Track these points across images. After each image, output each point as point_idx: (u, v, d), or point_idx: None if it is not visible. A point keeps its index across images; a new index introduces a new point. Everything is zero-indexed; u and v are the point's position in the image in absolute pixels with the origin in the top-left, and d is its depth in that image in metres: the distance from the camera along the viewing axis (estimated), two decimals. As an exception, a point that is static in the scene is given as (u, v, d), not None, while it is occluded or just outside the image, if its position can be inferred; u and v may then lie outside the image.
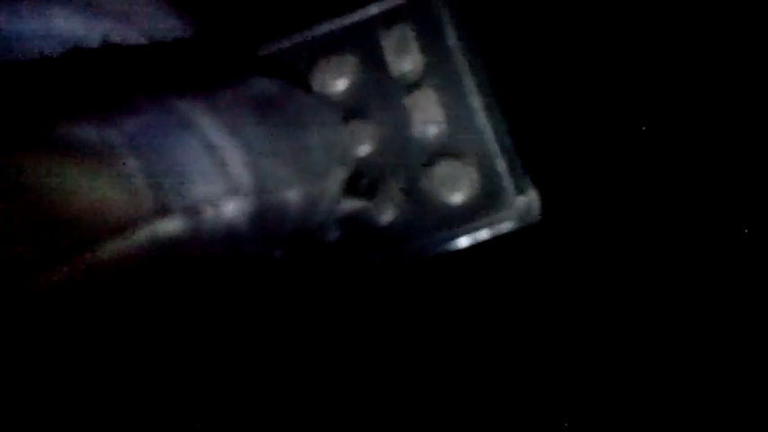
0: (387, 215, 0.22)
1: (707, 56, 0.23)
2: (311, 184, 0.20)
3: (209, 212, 0.17)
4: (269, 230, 0.19)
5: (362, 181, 0.22)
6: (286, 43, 0.23)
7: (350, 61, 0.23)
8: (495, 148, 0.22)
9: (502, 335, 0.22)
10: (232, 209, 0.18)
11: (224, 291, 0.20)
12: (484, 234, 0.22)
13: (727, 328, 0.21)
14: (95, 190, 0.16)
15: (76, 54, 0.20)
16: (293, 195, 0.19)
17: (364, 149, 0.22)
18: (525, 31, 0.23)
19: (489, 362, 0.22)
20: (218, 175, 0.18)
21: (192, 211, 0.17)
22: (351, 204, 0.22)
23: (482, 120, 0.22)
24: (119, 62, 0.20)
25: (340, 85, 0.23)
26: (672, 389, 0.21)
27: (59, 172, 0.16)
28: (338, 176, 0.21)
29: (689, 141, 0.22)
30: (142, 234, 0.17)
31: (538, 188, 0.22)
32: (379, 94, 0.23)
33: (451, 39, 0.23)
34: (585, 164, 0.23)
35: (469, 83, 0.22)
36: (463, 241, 0.22)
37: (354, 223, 0.22)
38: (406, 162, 0.22)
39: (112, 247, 0.16)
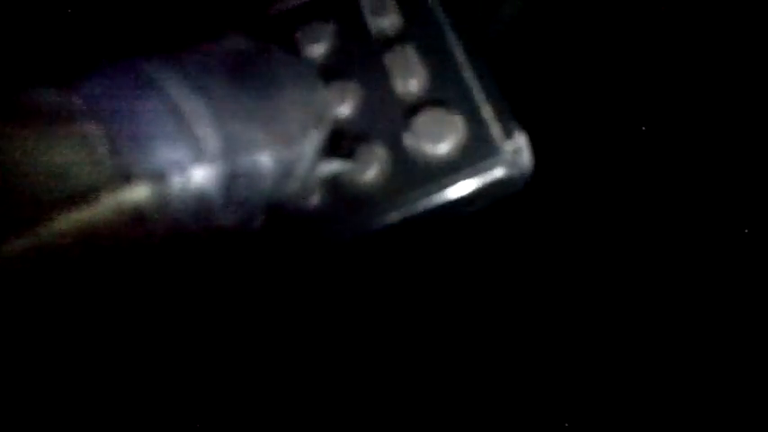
0: (371, 174, 0.21)
1: (707, 56, 0.22)
2: (285, 147, 0.19)
3: (175, 178, 0.17)
4: (242, 197, 0.18)
5: (343, 142, 0.21)
6: (264, 15, 0.23)
7: (328, 26, 0.23)
8: (479, 93, 0.21)
9: (503, 329, 0.20)
10: (201, 174, 0.17)
11: (200, 263, 0.19)
12: (473, 184, 0.21)
13: (727, 325, 0.20)
14: (54, 156, 0.16)
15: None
16: (266, 159, 0.18)
17: (346, 109, 0.22)
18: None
19: (487, 356, 0.20)
20: (184, 139, 0.17)
21: (157, 176, 0.16)
22: (330, 166, 0.21)
23: (465, 68, 0.21)
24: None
25: (319, 49, 0.23)
26: (671, 387, 0.19)
27: (16, 138, 0.15)
28: (315, 138, 0.20)
29: (687, 125, 0.22)
30: (105, 202, 0.16)
31: (528, 133, 0.21)
32: (359, 54, 0.22)
33: (430, -6, 0.22)
34: (578, 112, 0.22)
35: (450, 33, 0.22)
36: (452, 193, 0.21)
37: (338, 186, 0.21)
38: (389, 118, 0.21)
39: (73, 217, 0.16)
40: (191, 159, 0.17)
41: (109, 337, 0.19)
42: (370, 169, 0.21)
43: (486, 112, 0.21)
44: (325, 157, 0.21)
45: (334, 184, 0.21)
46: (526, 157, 0.21)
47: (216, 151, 0.17)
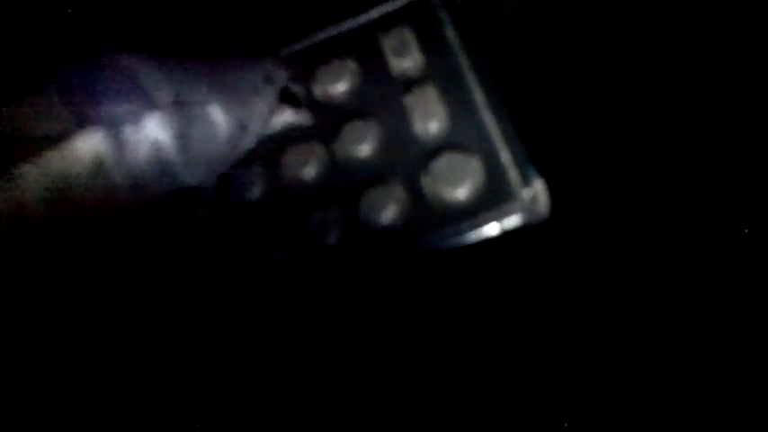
0: (387, 214, 0.21)
1: (707, 56, 0.22)
2: (238, 104, 0.20)
3: (129, 126, 0.18)
4: (199, 150, 0.19)
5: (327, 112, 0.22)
6: (286, 51, 0.23)
7: (349, 64, 0.23)
8: (498, 139, 0.21)
9: (505, 335, 0.21)
10: (153, 122, 0.18)
11: (163, 222, 0.20)
12: (490, 229, 0.21)
13: (728, 328, 0.20)
14: (19, 115, 0.17)
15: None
16: (217, 112, 0.19)
17: (365, 149, 0.22)
18: (525, 28, 0.23)
19: (491, 361, 0.20)
20: (134, 91, 0.18)
21: (111, 124, 0.18)
22: (282, 118, 0.22)
23: (485, 112, 0.22)
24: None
25: (340, 87, 0.23)
26: (672, 389, 0.19)
27: None
28: (266, 96, 0.21)
29: (691, 138, 0.22)
30: (65, 148, 0.17)
31: (546, 180, 0.21)
32: (380, 94, 0.22)
33: (451, 37, 0.22)
34: (595, 158, 0.22)
35: (471, 77, 0.22)
36: (468, 238, 0.21)
37: (355, 223, 0.21)
38: (407, 160, 0.22)
39: (31, 166, 0.17)
40: (143, 109, 0.18)
41: (85, 310, 0.19)
42: (387, 210, 0.21)
43: (505, 157, 0.21)
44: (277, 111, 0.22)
45: (352, 222, 0.21)
46: (543, 204, 0.21)
47: (166, 102, 0.18)
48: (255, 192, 0.22)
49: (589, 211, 0.21)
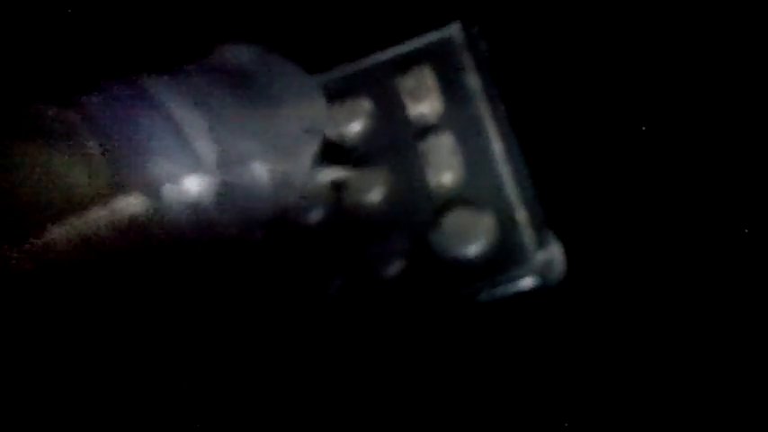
0: (392, 268, 0.20)
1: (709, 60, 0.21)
2: (281, 158, 0.19)
3: (170, 189, 0.17)
4: (240, 208, 0.18)
5: (346, 152, 0.21)
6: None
7: (364, 104, 0.22)
8: (514, 196, 0.20)
9: (507, 400, 0.19)
10: (196, 184, 0.17)
11: (202, 274, 0.19)
12: (500, 292, 0.20)
13: (727, 326, 0.19)
14: (53, 169, 0.16)
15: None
16: (262, 170, 0.19)
17: (375, 196, 0.21)
18: (549, 76, 0.22)
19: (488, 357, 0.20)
20: (179, 150, 0.17)
21: (151, 187, 0.17)
22: (329, 174, 0.21)
23: (502, 166, 0.20)
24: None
25: (354, 128, 0.22)
26: (671, 387, 0.19)
27: (17, 152, 0.16)
28: (311, 149, 0.20)
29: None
30: (100, 211, 0.16)
31: (562, 243, 0.20)
32: (394, 138, 0.21)
33: (473, 82, 0.21)
34: (614, 220, 0.20)
35: (490, 127, 0.21)
36: (476, 299, 0.20)
37: (357, 275, 0.20)
38: (417, 212, 0.20)
39: (69, 226, 0.16)
40: (186, 170, 0.17)
41: (108, 344, 0.19)
42: (391, 264, 0.20)
43: (521, 216, 0.20)
44: (323, 166, 0.21)
45: (353, 273, 0.20)
46: (558, 269, 0.20)
47: (212, 162, 0.18)
48: (257, 235, 0.21)
49: (607, 278, 0.20)
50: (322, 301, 0.20)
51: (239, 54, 0.20)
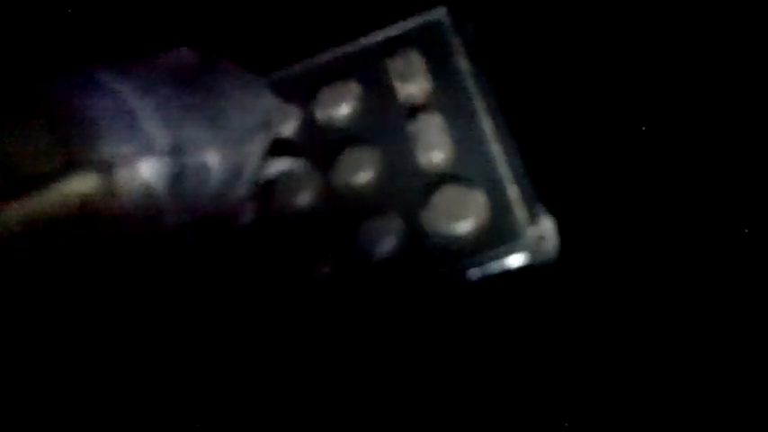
0: (384, 247, 0.20)
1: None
2: (232, 148, 0.19)
3: (122, 169, 0.17)
4: (189, 196, 0.18)
5: (327, 137, 0.21)
6: (289, 71, 0.22)
7: (353, 87, 0.22)
8: (505, 172, 0.20)
9: (499, 383, 0.19)
10: (148, 167, 0.17)
11: (144, 262, 0.19)
12: (492, 268, 0.19)
13: (727, 327, 0.19)
14: (1, 150, 0.16)
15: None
16: (213, 158, 0.18)
17: (365, 176, 0.21)
18: (537, 55, 0.22)
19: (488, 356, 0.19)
20: (130, 133, 0.17)
21: (103, 166, 0.17)
22: (276, 166, 0.21)
23: (491, 144, 0.20)
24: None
25: (343, 110, 0.22)
26: (671, 388, 0.18)
27: None
28: (260, 141, 0.20)
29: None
30: (53, 190, 0.16)
31: (555, 218, 0.19)
32: (383, 120, 0.21)
33: (461, 63, 0.21)
34: (608, 194, 0.20)
35: (479, 105, 0.21)
36: (468, 276, 0.19)
37: (349, 256, 0.20)
38: (408, 191, 0.20)
39: (18, 207, 0.16)
40: (138, 152, 0.17)
41: (58, 330, 0.18)
42: (383, 243, 0.20)
43: (511, 192, 0.20)
44: (271, 159, 0.21)
45: (346, 254, 0.20)
46: (551, 245, 0.19)
47: (165, 147, 0.18)
48: (246, 218, 0.21)
49: (603, 254, 0.20)
50: (311, 285, 0.20)
51: (184, 56, 0.20)
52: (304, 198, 0.21)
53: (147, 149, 0.17)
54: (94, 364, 0.19)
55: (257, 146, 0.20)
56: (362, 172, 0.21)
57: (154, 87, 0.18)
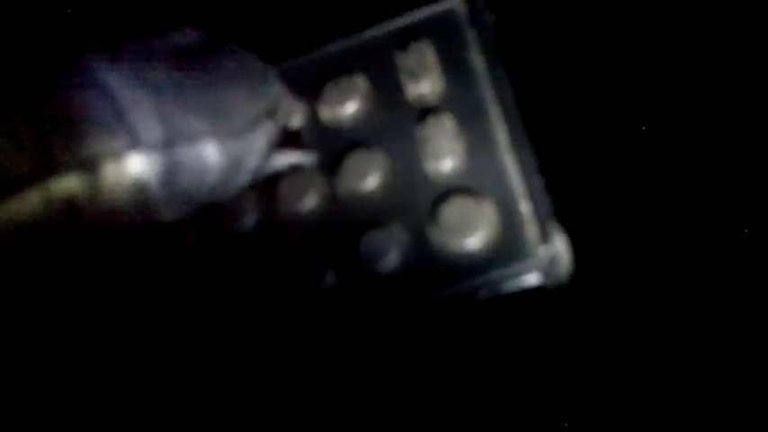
0: (388, 262, 0.19)
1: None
2: (232, 138, 0.17)
3: (109, 168, 0.16)
4: (185, 190, 0.17)
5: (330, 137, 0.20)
6: (292, 63, 0.21)
7: (360, 82, 0.20)
8: (518, 185, 0.18)
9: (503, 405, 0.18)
10: (137, 163, 0.16)
11: (138, 261, 0.18)
12: (500, 289, 0.18)
13: (727, 328, 0.18)
14: None
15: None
16: (211, 149, 0.17)
17: (369, 184, 0.19)
18: (559, 54, 0.20)
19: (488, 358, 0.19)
20: (117, 126, 0.16)
21: (87, 165, 0.15)
22: (283, 160, 0.19)
23: (506, 153, 0.19)
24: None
25: (348, 108, 0.20)
26: (671, 388, 0.18)
27: None
28: (265, 131, 0.18)
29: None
30: (33, 193, 0.15)
31: (570, 238, 0.18)
32: (391, 120, 0.20)
33: (477, 60, 0.20)
34: (629, 214, 0.19)
35: (494, 110, 0.19)
36: (475, 295, 0.18)
37: (352, 270, 0.19)
38: (414, 202, 0.19)
39: (1, 208, 0.15)
40: (126, 148, 0.16)
41: (45, 333, 0.18)
42: (386, 256, 0.19)
43: (524, 206, 0.18)
44: (278, 150, 0.19)
45: (348, 267, 0.19)
46: (564, 266, 0.18)
47: (154, 140, 0.16)
48: (247, 222, 0.20)
49: (620, 277, 0.18)
50: (314, 296, 0.19)
51: (184, 38, 0.18)
52: (306, 203, 0.20)
53: (135, 143, 0.16)
54: (87, 365, 0.18)
55: (261, 137, 0.18)
56: (367, 179, 0.19)
57: (145, 73, 0.17)
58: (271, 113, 0.19)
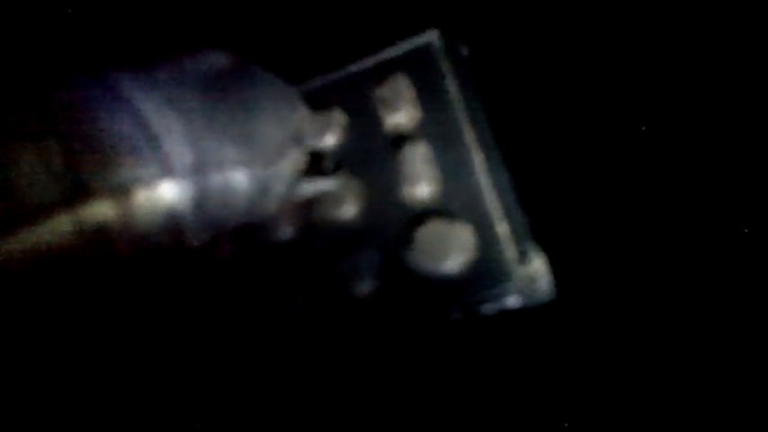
0: (364, 285, 0.18)
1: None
2: (261, 166, 0.17)
3: (140, 194, 0.16)
4: (215, 216, 0.17)
5: (326, 164, 0.20)
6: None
7: (338, 116, 0.20)
8: (494, 206, 0.18)
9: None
10: (169, 190, 0.16)
11: (168, 285, 0.18)
12: (478, 312, 0.18)
13: (727, 328, 0.17)
14: (10, 172, 0.15)
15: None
16: (240, 177, 0.17)
17: (347, 210, 0.19)
18: (534, 82, 0.20)
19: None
20: (149, 152, 0.16)
21: (119, 192, 0.15)
22: (310, 187, 0.19)
23: (481, 176, 0.19)
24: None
25: (328, 140, 0.20)
26: (671, 388, 0.17)
27: None
28: (293, 158, 0.18)
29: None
30: (62, 218, 0.15)
31: (549, 258, 0.18)
32: (368, 150, 0.20)
33: (452, 89, 0.20)
34: (607, 232, 0.18)
35: (469, 135, 0.19)
36: (453, 318, 0.18)
37: (325, 294, 0.18)
38: (390, 225, 0.19)
39: (29, 234, 0.15)
40: (158, 175, 0.16)
41: (73, 356, 0.17)
42: (362, 281, 0.18)
43: (501, 228, 0.18)
44: (304, 177, 0.19)
45: (324, 291, 0.19)
46: (544, 285, 0.18)
47: (186, 167, 0.16)
48: (225, 248, 0.20)
49: (601, 295, 0.18)
50: (289, 320, 0.19)
51: (214, 59, 0.18)
52: (282, 231, 0.20)
53: (168, 171, 0.16)
54: (106, 381, 0.18)
55: (290, 161, 0.18)
56: (345, 206, 0.19)
57: (177, 97, 0.17)
58: (298, 140, 0.19)
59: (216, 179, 0.17)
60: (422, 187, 0.19)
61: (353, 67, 0.21)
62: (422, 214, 0.19)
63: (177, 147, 0.16)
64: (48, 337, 0.16)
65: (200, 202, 0.16)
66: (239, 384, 0.18)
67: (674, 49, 0.20)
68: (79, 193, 0.15)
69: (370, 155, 0.20)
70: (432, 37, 0.20)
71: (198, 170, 0.16)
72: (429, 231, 0.18)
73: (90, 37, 0.22)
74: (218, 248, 0.20)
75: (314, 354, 0.18)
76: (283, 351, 0.18)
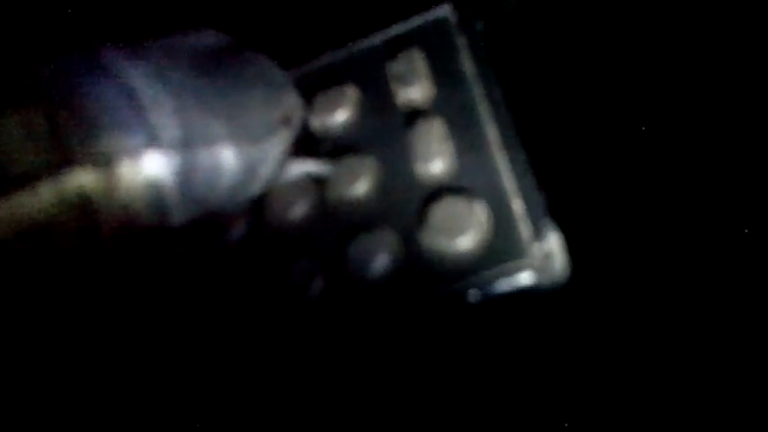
0: (378, 265, 0.18)
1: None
2: (249, 144, 0.17)
3: (125, 164, 0.15)
4: (200, 194, 0.17)
5: (322, 146, 0.20)
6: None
7: (351, 92, 0.20)
8: (509, 183, 0.18)
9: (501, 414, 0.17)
10: (153, 161, 0.16)
11: (148, 263, 0.17)
12: (493, 289, 0.17)
13: (727, 328, 0.17)
14: None
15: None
16: (227, 154, 0.17)
17: (360, 189, 0.19)
18: (547, 57, 0.20)
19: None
20: (136, 124, 0.16)
21: (103, 161, 0.15)
22: (300, 168, 0.19)
23: (496, 153, 0.18)
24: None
25: (338, 117, 0.20)
26: (671, 388, 0.17)
27: None
28: (282, 138, 0.18)
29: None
30: (46, 187, 0.15)
31: (565, 236, 0.17)
32: (381, 126, 0.20)
33: (466, 64, 0.20)
34: (627, 209, 0.18)
35: (484, 110, 0.19)
36: (468, 297, 0.18)
37: (339, 274, 0.18)
38: (405, 204, 0.19)
39: (11, 203, 0.15)
40: (143, 145, 0.16)
41: (54, 333, 0.17)
42: (377, 260, 0.18)
43: (516, 204, 0.18)
44: (294, 157, 0.19)
45: (338, 272, 0.18)
46: (559, 264, 0.17)
47: (173, 140, 0.16)
48: (235, 231, 0.20)
49: (619, 275, 0.18)
50: (302, 304, 0.18)
51: (205, 38, 0.18)
52: (296, 210, 0.19)
53: (153, 142, 0.16)
54: (93, 366, 0.18)
55: (277, 145, 0.18)
56: (357, 184, 0.19)
57: (167, 72, 0.17)
58: (287, 121, 0.19)
59: (202, 154, 0.17)
60: (436, 164, 0.19)
61: (366, 43, 0.21)
62: (436, 192, 0.18)
63: (164, 119, 0.16)
64: (27, 318, 0.16)
65: (186, 176, 0.16)
66: (245, 377, 0.18)
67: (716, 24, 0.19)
68: (62, 161, 0.15)
69: (384, 131, 0.20)
70: (446, 11, 0.20)
71: (184, 144, 0.16)
72: (443, 209, 0.18)
73: (82, 19, 0.22)
74: (224, 232, 0.20)
75: (327, 338, 0.18)
76: (296, 336, 0.18)
